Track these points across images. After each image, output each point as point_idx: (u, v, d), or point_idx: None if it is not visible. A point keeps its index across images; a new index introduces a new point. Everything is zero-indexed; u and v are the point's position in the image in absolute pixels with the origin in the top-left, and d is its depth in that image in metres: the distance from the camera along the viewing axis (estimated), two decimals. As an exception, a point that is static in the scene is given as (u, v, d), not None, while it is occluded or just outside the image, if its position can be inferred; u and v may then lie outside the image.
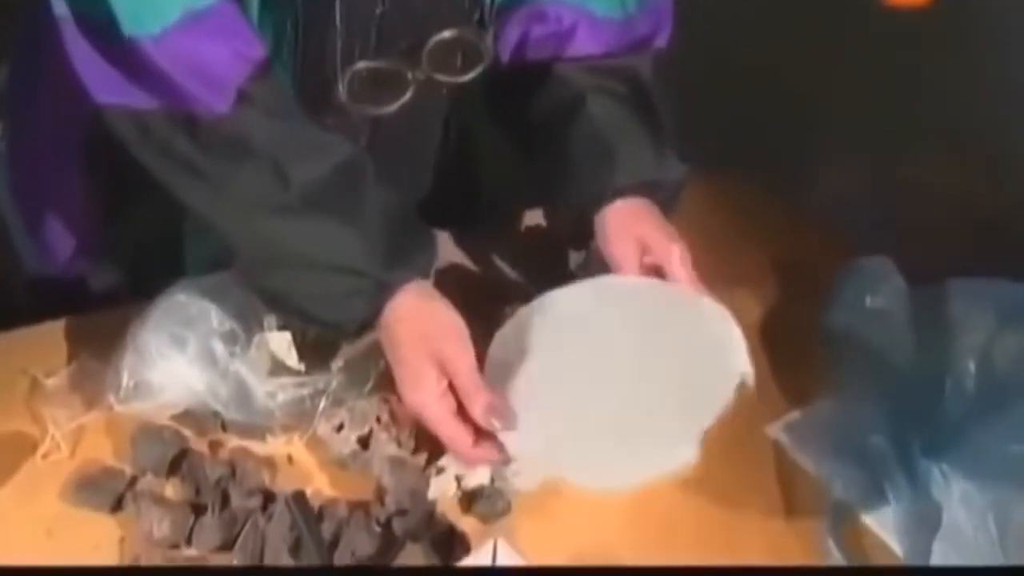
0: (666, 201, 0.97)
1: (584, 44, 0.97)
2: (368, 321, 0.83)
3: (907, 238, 1.11)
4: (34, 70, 1.03)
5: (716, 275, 0.94)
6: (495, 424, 0.78)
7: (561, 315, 0.86)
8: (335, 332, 0.87)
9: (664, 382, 0.82)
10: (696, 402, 0.80)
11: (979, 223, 1.18)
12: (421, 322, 0.81)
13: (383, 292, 0.82)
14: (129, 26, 0.79)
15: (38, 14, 0.91)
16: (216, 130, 0.82)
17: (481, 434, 0.79)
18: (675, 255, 0.90)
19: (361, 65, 0.90)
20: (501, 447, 0.79)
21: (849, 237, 1.10)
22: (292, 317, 0.88)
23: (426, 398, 0.79)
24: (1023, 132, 1.15)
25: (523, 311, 0.88)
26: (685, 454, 0.78)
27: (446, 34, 0.93)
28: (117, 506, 0.84)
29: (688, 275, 0.90)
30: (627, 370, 0.82)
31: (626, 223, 0.92)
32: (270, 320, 0.91)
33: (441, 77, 0.93)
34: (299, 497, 0.72)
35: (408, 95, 0.92)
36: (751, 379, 0.82)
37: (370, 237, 0.82)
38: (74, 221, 1.07)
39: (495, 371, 0.83)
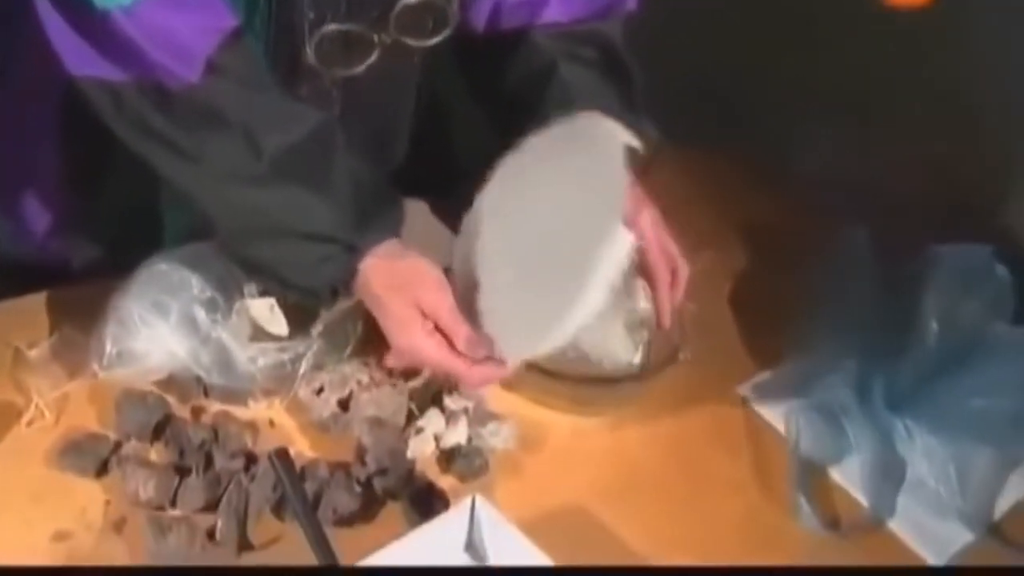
0: (639, 165, 0.98)
1: (555, 11, 0.99)
2: (343, 284, 0.85)
3: (879, 208, 1.13)
4: (5, 46, 1.03)
5: (688, 243, 0.97)
6: (479, 353, 0.81)
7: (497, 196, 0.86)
8: (312, 297, 0.89)
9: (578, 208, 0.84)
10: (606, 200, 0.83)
11: (947, 192, 1.20)
12: (396, 274, 0.83)
13: (354, 256, 0.84)
14: None
15: None
16: (188, 101, 0.83)
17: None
18: (645, 218, 0.92)
19: (329, 28, 0.91)
20: (499, 361, 0.82)
21: (821, 206, 1.12)
22: (270, 284, 0.90)
23: (416, 339, 0.82)
24: (992, 103, 1.17)
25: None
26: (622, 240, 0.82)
27: None
28: (102, 470, 0.86)
29: (657, 239, 0.92)
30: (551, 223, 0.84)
31: None
32: (250, 287, 0.93)
33: (408, 41, 0.95)
34: (282, 453, 0.74)
35: (374, 57, 0.93)
36: (635, 143, 0.84)
37: (340, 203, 0.84)
38: (49, 197, 1.07)
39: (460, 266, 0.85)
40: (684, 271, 0.94)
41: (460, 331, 0.81)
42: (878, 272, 1.02)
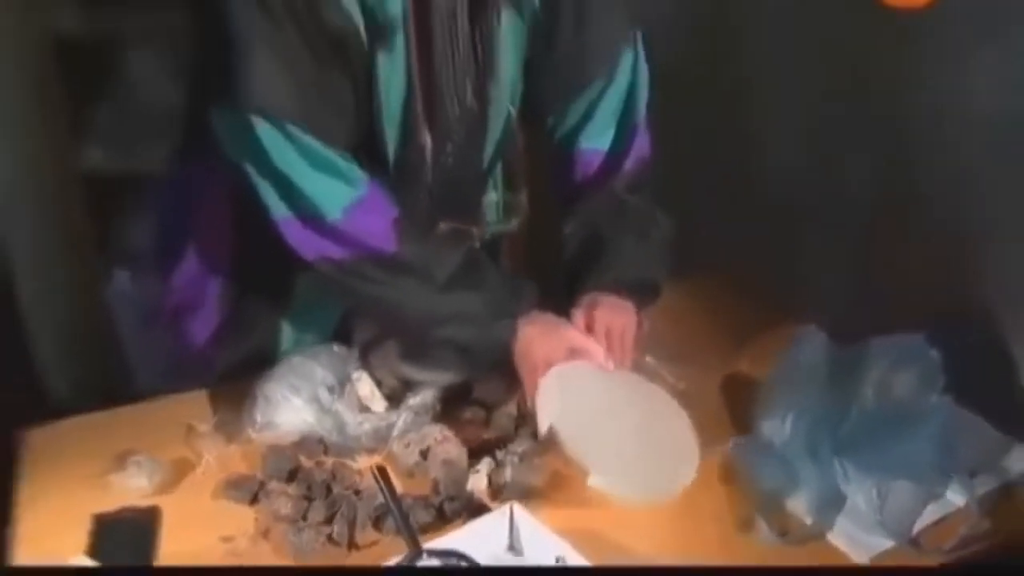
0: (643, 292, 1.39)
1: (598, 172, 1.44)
2: (505, 346, 1.28)
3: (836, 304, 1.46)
4: (182, 216, 1.46)
5: (691, 348, 1.31)
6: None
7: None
8: (484, 359, 1.30)
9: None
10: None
11: (893, 285, 1.52)
12: (539, 323, 1.30)
13: (509, 329, 1.27)
14: (328, 214, 1.24)
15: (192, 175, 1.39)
16: (388, 259, 1.26)
17: None
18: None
19: (443, 227, 1.39)
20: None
21: (791, 308, 1.45)
22: (451, 355, 1.30)
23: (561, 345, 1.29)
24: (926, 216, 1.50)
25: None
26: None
27: (492, 196, 1.41)
28: (253, 500, 1.21)
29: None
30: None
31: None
32: (358, 373, 1.29)
33: (495, 229, 1.42)
34: (382, 469, 1.08)
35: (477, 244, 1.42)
36: None
37: (493, 292, 1.29)
38: (212, 321, 1.48)
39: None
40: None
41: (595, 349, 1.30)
42: (831, 357, 1.33)
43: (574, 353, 1.28)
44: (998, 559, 1.14)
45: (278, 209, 1.26)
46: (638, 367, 1.36)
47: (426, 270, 1.27)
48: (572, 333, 1.30)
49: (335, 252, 1.26)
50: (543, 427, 1.22)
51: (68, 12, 2.38)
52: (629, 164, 1.45)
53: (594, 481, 1.18)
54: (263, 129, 1.22)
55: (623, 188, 1.44)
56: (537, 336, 1.28)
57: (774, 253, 1.65)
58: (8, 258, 2.72)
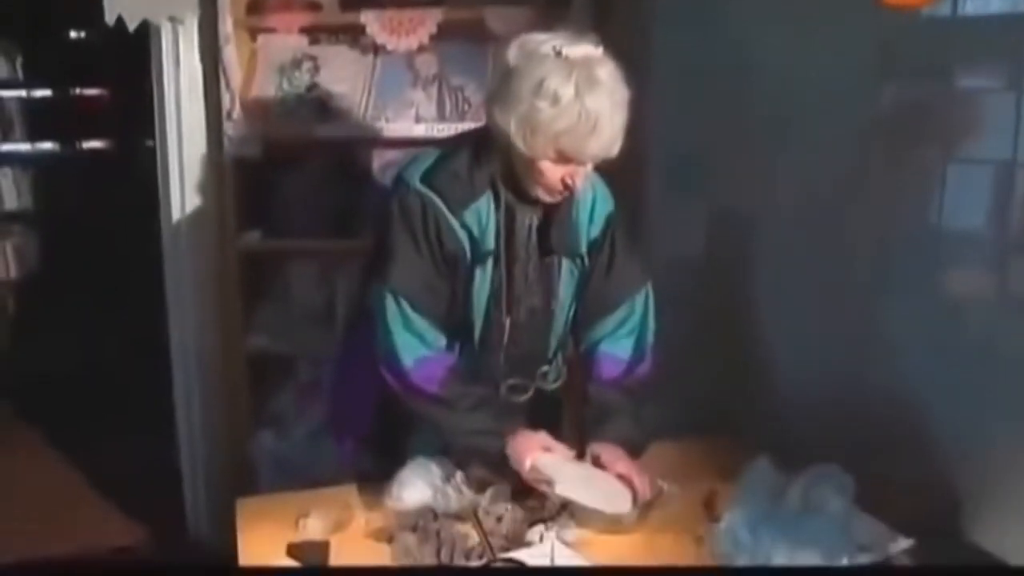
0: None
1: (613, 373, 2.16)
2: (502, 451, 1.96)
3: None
4: (354, 347, 2.23)
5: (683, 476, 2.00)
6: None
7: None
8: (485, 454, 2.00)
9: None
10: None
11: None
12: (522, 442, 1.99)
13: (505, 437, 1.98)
14: (404, 360, 2.00)
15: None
16: (435, 397, 2.01)
17: None
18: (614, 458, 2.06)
19: (511, 381, 2.12)
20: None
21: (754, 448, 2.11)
22: (471, 453, 2.01)
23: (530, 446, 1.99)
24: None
25: None
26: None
27: (545, 368, 2.16)
28: (389, 540, 1.89)
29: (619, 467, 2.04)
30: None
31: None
32: (456, 471, 1.99)
33: (543, 386, 2.15)
34: (477, 520, 1.76)
35: (530, 394, 2.13)
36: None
37: (500, 416, 2.00)
38: (360, 432, 2.23)
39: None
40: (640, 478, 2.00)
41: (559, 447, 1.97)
42: (774, 477, 1.98)
43: (546, 449, 2.01)
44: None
45: (379, 354, 2.03)
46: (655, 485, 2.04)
47: (455, 403, 2.02)
48: (543, 438, 2.02)
49: (400, 387, 2.02)
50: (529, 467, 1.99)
51: (251, 236, 3.23)
52: (636, 373, 2.18)
53: (560, 489, 1.92)
54: (389, 300, 2.00)
55: (630, 384, 2.17)
56: (522, 441, 2.01)
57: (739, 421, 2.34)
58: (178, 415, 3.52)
